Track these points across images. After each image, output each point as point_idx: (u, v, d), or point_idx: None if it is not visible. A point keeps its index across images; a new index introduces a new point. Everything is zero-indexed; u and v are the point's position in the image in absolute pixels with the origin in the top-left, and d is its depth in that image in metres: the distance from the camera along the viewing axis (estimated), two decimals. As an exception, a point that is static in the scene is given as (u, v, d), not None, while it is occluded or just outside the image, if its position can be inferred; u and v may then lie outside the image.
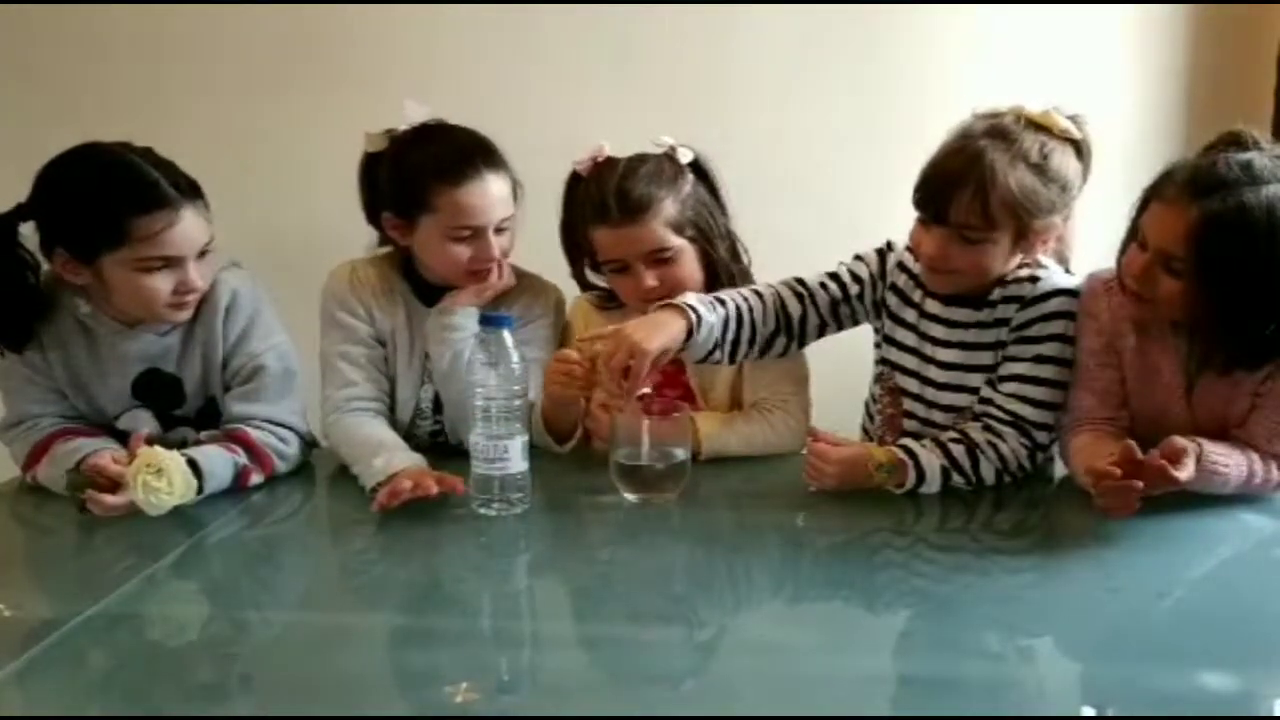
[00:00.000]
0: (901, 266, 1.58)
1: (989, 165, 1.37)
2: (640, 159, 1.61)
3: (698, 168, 1.64)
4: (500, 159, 1.60)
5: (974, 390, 1.52)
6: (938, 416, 1.55)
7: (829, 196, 2.17)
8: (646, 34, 2.18)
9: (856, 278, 1.60)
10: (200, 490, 1.42)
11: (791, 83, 2.19)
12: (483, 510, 1.39)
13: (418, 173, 1.57)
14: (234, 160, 2.08)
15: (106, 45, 2.19)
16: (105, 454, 1.43)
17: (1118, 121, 2.22)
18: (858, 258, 1.62)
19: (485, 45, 2.18)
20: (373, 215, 1.66)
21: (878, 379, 1.65)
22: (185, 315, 1.52)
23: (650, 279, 1.58)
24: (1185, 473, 1.27)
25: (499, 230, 1.60)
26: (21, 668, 1.02)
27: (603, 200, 1.56)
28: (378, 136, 1.62)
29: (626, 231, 1.56)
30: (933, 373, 1.55)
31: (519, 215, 1.64)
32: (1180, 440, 1.29)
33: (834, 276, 1.60)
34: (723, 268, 1.64)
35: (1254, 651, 1.05)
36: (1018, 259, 1.48)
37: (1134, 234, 1.35)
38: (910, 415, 1.58)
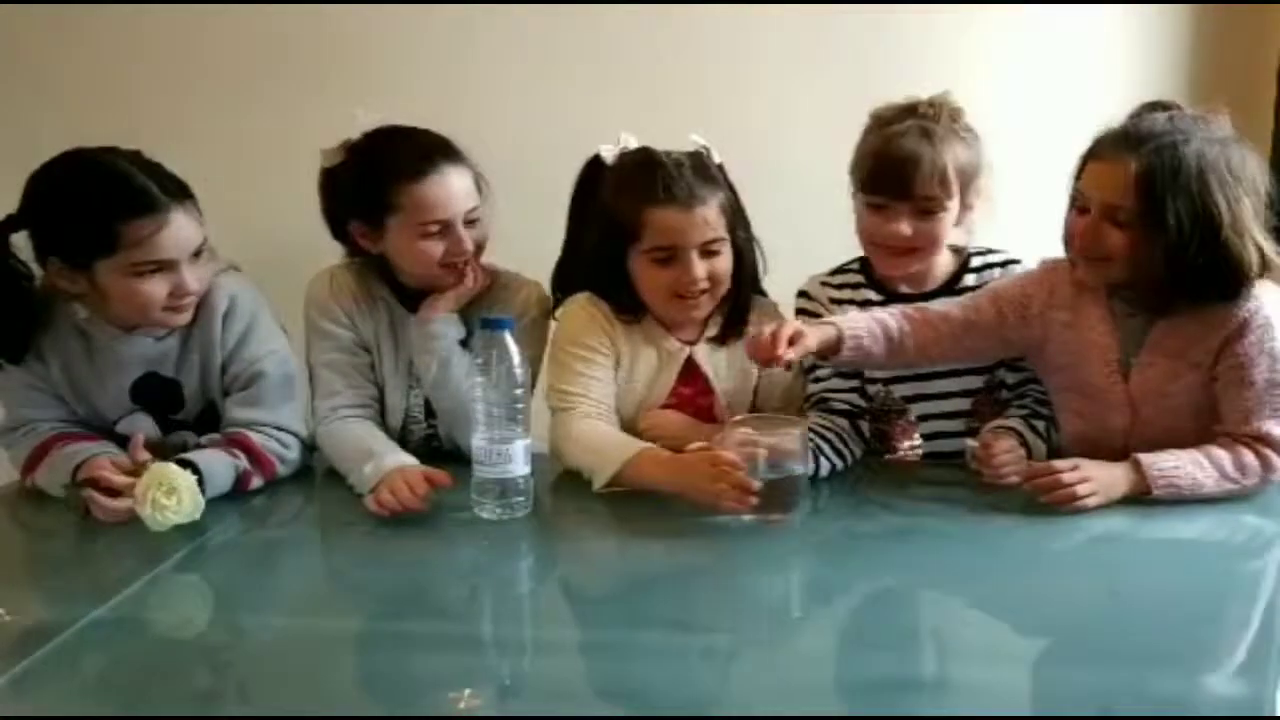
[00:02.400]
0: (839, 287, 1.65)
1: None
2: (684, 151, 1.57)
3: (723, 171, 1.61)
4: (459, 153, 1.58)
5: (966, 374, 1.60)
6: (943, 407, 1.61)
7: (823, 196, 2.16)
8: (640, 33, 2.17)
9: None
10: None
11: (787, 82, 2.18)
12: (484, 514, 1.38)
13: (378, 175, 1.55)
14: (226, 163, 2.08)
15: (100, 47, 2.19)
16: (104, 459, 1.43)
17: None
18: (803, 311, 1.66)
19: (473, 45, 2.17)
20: (338, 229, 1.65)
21: (854, 401, 1.63)
22: (183, 319, 1.51)
23: (701, 269, 1.52)
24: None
25: (469, 223, 1.58)
26: (22, 672, 1.01)
27: (665, 181, 1.51)
28: (334, 150, 1.60)
29: (692, 215, 1.51)
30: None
31: (492, 212, 1.62)
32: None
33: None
34: (749, 264, 1.61)
35: (1255, 655, 1.05)
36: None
37: (1073, 203, 1.45)
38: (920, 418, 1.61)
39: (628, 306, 1.59)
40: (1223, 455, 1.40)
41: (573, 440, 1.52)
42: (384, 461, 1.46)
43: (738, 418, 1.44)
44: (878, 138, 1.54)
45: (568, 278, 1.68)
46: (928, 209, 1.53)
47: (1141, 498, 1.38)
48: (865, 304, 1.62)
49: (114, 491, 1.37)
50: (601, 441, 1.50)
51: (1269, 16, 2.13)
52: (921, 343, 1.50)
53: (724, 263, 1.55)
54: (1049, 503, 1.37)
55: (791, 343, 1.37)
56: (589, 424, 1.53)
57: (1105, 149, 1.40)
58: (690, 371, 1.61)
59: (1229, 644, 1.07)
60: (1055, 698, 1.00)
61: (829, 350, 1.45)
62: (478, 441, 1.38)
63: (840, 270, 1.68)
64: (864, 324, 1.48)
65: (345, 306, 1.64)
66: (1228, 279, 1.36)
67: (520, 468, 1.38)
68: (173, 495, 1.34)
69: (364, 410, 1.62)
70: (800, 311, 1.67)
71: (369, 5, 2.15)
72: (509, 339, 1.38)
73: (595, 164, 1.62)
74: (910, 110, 1.55)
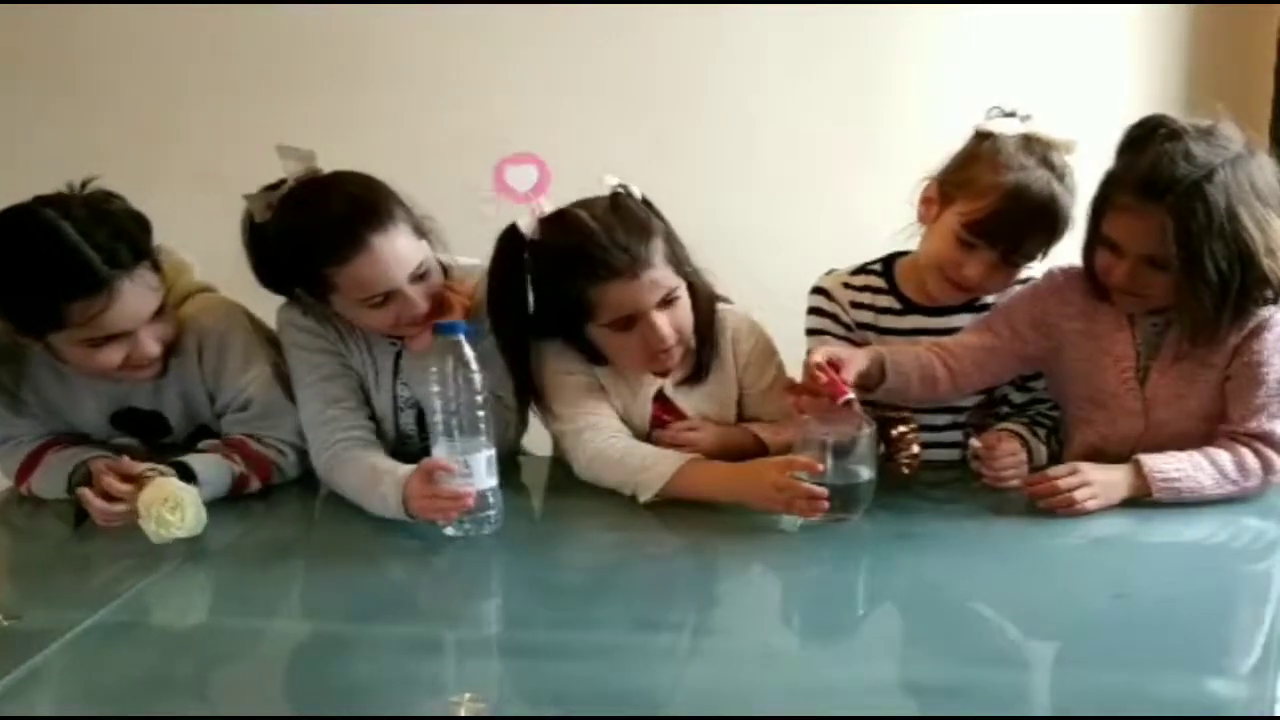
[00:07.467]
0: (860, 289, 1.61)
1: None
2: (606, 204, 1.45)
3: (646, 201, 1.50)
4: (386, 211, 1.41)
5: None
6: (940, 419, 1.60)
7: (823, 197, 2.17)
8: (635, 33, 2.18)
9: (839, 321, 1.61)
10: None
11: (785, 83, 2.18)
12: (448, 531, 1.32)
13: (306, 259, 1.42)
14: (227, 162, 2.07)
15: (99, 47, 2.19)
16: (103, 463, 1.42)
17: (1118, 121, 2.22)
18: (815, 311, 1.63)
19: (497, 48, 2.17)
20: (270, 283, 1.51)
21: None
22: (148, 374, 1.47)
23: (666, 325, 1.45)
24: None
25: (419, 278, 1.45)
26: (20, 677, 1.01)
27: (604, 256, 1.41)
28: (259, 200, 1.44)
29: (640, 280, 1.42)
30: None
31: (442, 241, 1.52)
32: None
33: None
34: (704, 297, 1.54)
35: (1259, 657, 1.04)
36: None
37: (1096, 239, 1.41)
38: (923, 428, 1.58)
39: (597, 358, 1.54)
40: (1223, 456, 1.39)
41: (605, 458, 1.47)
42: (397, 474, 1.38)
43: (806, 417, 1.39)
44: (1002, 182, 1.44)
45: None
46: (1019, 263, 1.50)
47: (1143, 500, 1.38)
48: (884, 311, 1.59)
49: (111, 495, 1.36)
50: (641, 456, 1.45)
51: (1268, 17, 2.14)
52: (952, 378, 1.48)
53: (684, 307, 1.49)
54: (1048, 509, 1.37)
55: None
56: (617, 441, 1.49)
57: (1128, 198, 1.34)
58: (666, 401, 1.57)
59: (1233, 646, 1.07)
60: (1058, 700, 1.00)
61: (868, 383, 1.41)
62: (439, 455, 1.31)
63: (863, 270, 1.63)
64: (910, 363, 1.45)
65: (326, 333, 1.55)
66: (1266, 295, 1.36)
67: (485, 480, 1.30)
68: (177, 510, 1.34)
69: (362, 432, 1.52)
70: (815, 311, 1.62)
71: (371, 5, 2.15)
72: (465, 345, 1.31)
73: (512, 239, 1.48)
74: (1030, 147, 1.46)
